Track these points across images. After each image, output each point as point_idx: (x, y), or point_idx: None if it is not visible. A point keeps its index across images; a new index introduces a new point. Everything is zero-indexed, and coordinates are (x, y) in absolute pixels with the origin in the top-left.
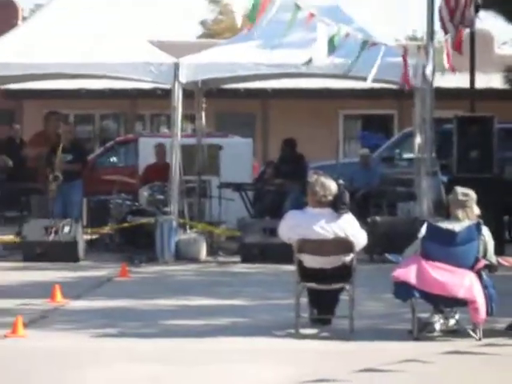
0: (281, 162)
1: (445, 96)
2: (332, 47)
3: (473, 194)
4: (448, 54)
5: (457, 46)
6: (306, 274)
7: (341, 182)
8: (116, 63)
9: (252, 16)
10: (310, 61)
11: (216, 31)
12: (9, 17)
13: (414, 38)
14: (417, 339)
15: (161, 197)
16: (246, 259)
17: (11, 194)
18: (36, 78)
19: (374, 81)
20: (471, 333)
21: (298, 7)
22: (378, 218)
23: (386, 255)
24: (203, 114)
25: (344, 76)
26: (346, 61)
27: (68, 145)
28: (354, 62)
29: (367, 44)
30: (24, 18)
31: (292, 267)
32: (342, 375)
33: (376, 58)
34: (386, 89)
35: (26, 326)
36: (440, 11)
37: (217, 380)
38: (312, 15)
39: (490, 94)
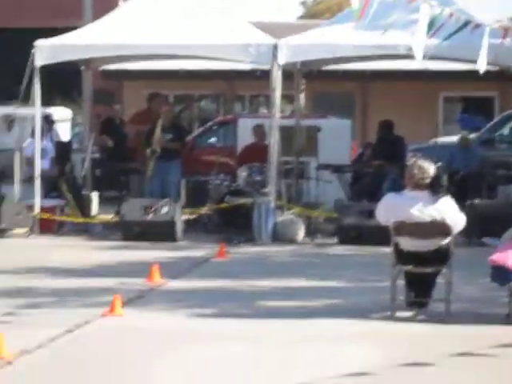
0: (379, 144)
1: None
2: (433, 28)
3: None
4: None
5: None
6: (402, 256)
7: (439, 164)
8: (215, 44)
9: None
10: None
11: (316, 12)
12: None
13: None
14: None
15: (259, 178)
16: (343, 241)
17: (111, 173)
18: (136, 59)
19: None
20: None
21: None
22: (476, 201)
23: (484, 239)
24: (302, 96)
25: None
26: (448, 42)
27: (168, 124)
28: (448, 37)
29: (469, 24)
30: None
31: (389, 250)
32: (435, 359)
33: (481, 41)
34: (487, 71)
35: (123, 305)
36: None
37: (310, 361)
38: None
39: None
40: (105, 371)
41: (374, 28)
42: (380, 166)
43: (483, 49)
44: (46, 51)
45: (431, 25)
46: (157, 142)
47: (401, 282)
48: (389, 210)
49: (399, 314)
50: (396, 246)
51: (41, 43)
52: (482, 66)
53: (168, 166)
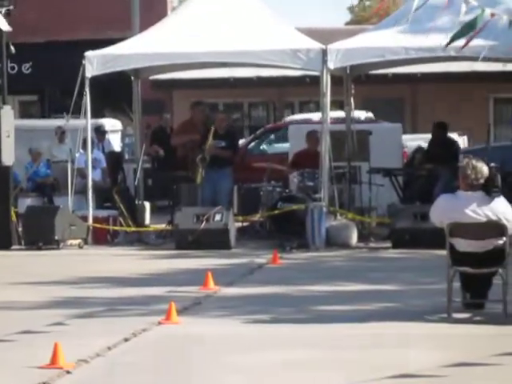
0: (432, 146)
1: None
2: (470, 29)
3: None
4: None
5: None
6: (458, 258)
7: (492, 164)
8: (264, 50)
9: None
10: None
11: (364, 17)
12: (158, 7)
13: None
14: None
15: (311, 183)
16: (396, 245)
17: (162, 183)
18: (184, 68)
19: None
20: None
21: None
22: None
23: None
24: (352, 100)
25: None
26: (489, 43)
27: (222, 132)
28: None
29: None
30: (173, 9)
31: (443, 252)
32: (493, 359)
33: None
34: None
35: (179, 312)
36: None
37: (366, 364)
38: None
39: None
40: (164, 379)
41: (420, 31)
42: (432, 169)
43: None
44: (95, 62)
45: (469, 26)
46: (208, 150)
47: (457, 284)
48: (443, 211)
49: (456, 315)
50: (451, 247)
51: (90, 54)
52: None
53: (219, 173)
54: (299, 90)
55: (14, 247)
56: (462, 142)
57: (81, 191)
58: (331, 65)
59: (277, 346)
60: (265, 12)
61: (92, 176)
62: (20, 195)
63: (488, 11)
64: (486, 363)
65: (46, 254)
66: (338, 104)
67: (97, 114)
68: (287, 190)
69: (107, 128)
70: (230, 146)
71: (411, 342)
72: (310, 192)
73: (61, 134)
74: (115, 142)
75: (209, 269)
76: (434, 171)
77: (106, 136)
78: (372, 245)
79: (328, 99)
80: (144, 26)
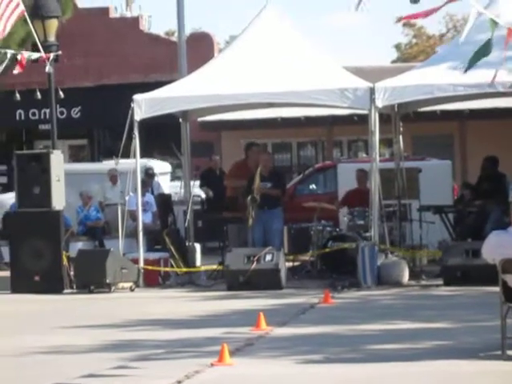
0: (481, 181)
1: None
2: (482, 55)
3: None
4: None
5: None
6: (511, 294)
7: None
8: (311, 90)
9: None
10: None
11: (410, 54)
12: (205, 49)
13: None
14: None
15: (361, 222)
16: (448, 282)
17: (212, 224)
18: (232, 109)
19: None
20: None
21: (494, 23)
22: None
23: None
24: (400, 138)
25: None
26: None
27: (267, 173)
28: None
29: None
30: (220, 50)
31: (496, 289)
32: None
33: None
34: None
35: (231, 354)
36: None
37: None
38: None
39: None
40: None
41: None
42: (483, 205)
43: None
44: (144, 105)
45: (483, 52)
46: (257, 190)
47: (510, 321)
48: (495, 247)
49: (510, 353)
50: (504, 283)
51: (139, 97)
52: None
53: (270, 214)
54: (347, 129)
55: (65, 291)
56: None
57: (132, 234)
58: (379, 103)
59: None
60: (312, 52)
61: (143, 219)
62: (71, 239)
63: None
64: None
65: (97, 298)
66: (385, 142)
67: (146, 156)
68: (337, 229)
69: (156, 170)
70: (276, 186)
71: (466, 380)
72: (361, 230)
73: (112, 176)
74: (164, 184)
75: (260, 309)
76: (485, 207)
77: (156, 178)
78: (423, 282)
79: (377, 137)
80: (191, 69)
